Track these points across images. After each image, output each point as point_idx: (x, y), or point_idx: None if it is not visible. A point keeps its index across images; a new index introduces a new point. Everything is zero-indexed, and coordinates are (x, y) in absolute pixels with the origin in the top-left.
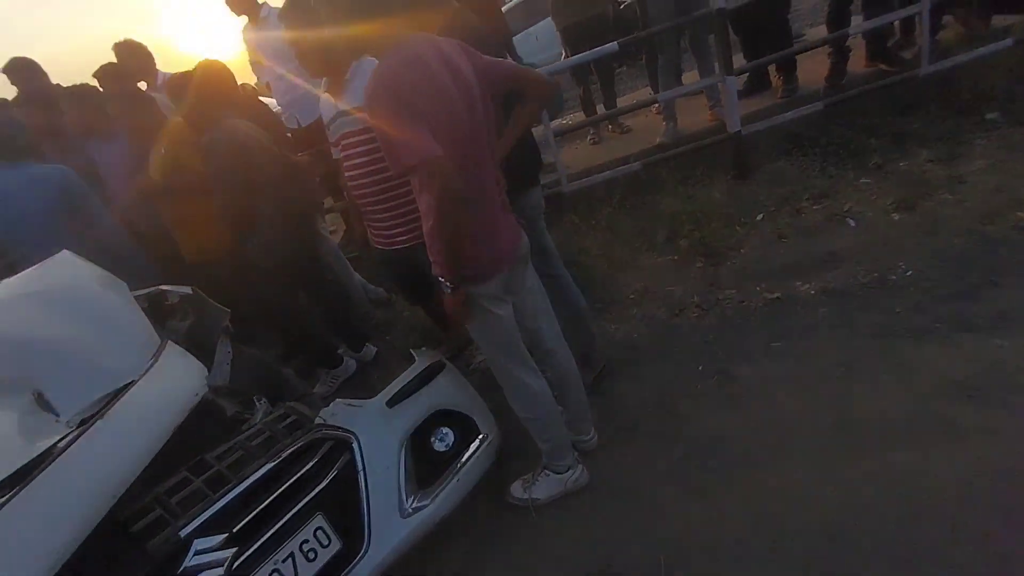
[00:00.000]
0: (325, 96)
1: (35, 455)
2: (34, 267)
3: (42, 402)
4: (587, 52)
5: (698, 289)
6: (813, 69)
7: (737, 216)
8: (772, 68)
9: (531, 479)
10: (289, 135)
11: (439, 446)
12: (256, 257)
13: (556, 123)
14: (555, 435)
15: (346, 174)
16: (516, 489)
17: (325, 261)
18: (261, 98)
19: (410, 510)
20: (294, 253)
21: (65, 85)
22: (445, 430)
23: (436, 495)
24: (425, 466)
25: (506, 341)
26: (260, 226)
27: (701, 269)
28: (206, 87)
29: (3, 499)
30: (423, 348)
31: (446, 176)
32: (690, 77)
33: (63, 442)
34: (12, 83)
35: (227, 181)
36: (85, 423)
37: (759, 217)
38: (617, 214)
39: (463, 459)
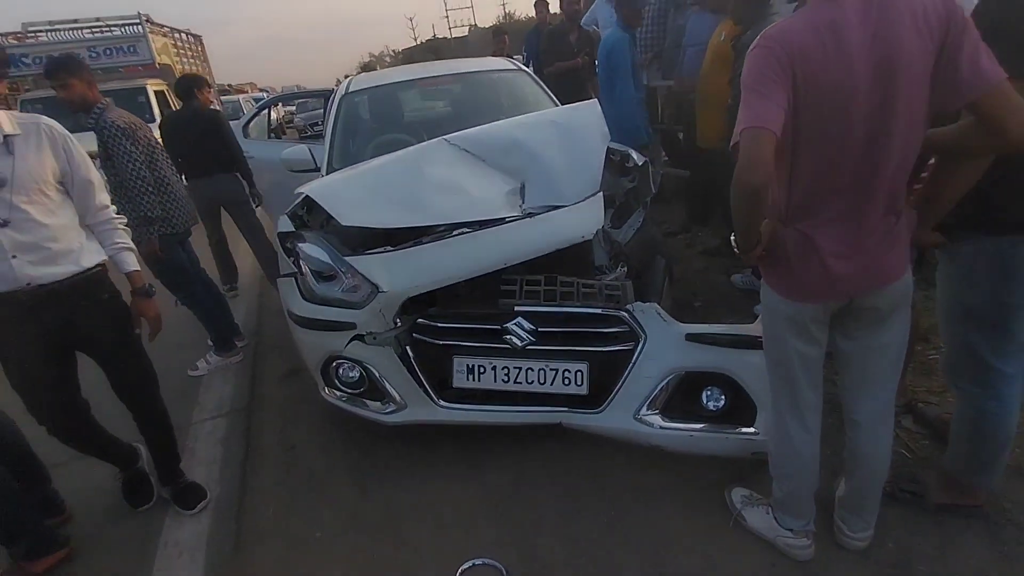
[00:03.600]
0: None
1: (493, 217)
2: (570, 106)
3: (521, 189)
4: None
5: None
6: None
7: None
8: None
9: (756, 499)
10: None
11: (706, 402)
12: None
13: None
14: (793, 491)
15: None
16: (738, 493)
17: None
18: None
19: (640, 418)
20: None
21: None
22: (722, 396)
23: (666, 428)
24: (680, 403)
25: (788, 376)
26: None
27: None
28: None
29: (465, 232)
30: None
31: (749, 154)
32: None
33: (510, 219)
34: None
35: None
36: (524, 216)
37: None
38: None
39: (714, 428)
